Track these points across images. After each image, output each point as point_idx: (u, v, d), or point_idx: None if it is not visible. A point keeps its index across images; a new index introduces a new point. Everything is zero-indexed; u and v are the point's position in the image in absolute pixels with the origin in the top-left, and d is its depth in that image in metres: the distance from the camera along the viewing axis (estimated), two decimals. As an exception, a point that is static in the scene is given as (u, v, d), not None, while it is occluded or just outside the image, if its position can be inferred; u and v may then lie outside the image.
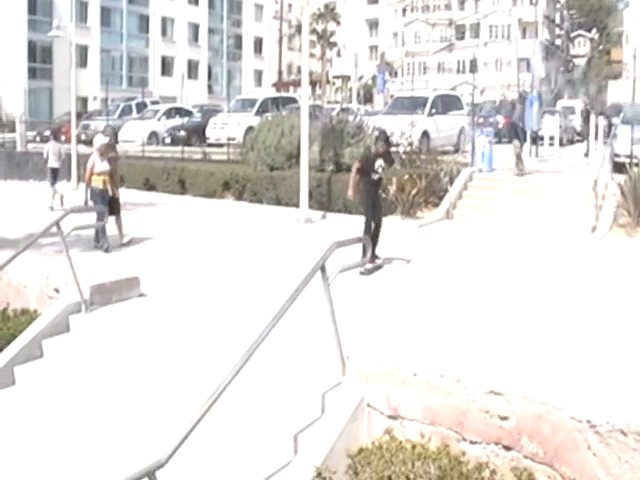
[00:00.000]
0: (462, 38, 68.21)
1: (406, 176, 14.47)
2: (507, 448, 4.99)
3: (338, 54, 66.61)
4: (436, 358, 5.63)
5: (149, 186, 19.50)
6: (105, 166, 11.36)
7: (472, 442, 5.10)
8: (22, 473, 5.79)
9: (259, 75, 68.39)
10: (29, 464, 5.92)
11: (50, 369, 7.32)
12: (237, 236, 12.38)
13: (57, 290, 8.58)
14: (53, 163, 17.47)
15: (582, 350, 5.98)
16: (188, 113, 31.62)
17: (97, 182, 11.31)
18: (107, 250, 10.85)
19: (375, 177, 9.97)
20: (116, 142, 11.96)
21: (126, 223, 11.76)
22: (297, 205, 14.10)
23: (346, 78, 56.71)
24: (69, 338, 7.67)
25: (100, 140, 11.89)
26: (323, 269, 5.46)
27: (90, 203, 11.53)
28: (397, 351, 5.83)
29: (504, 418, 4.96)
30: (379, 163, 9.92)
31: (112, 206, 11.13)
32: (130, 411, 6.14)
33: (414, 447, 4.96)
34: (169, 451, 4.16)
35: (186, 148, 23.49)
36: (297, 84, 41.11)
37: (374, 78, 48.89)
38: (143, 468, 4.04)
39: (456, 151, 19.49)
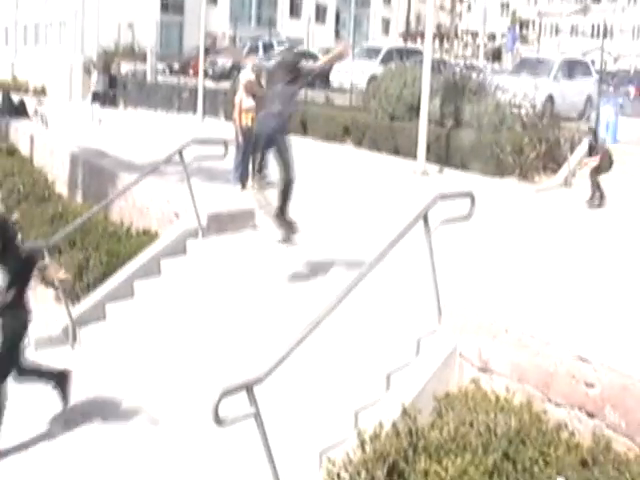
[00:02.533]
0: (598, 1, 65.03)
1: (526, 139, 14.31)
2: (590, 415, 5.07)
3: (468, 9, 64.88)
4: (527, 317, 5.76)
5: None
6: (251, 102, 11.15)
7: (557, 404, 5.22)
8: (137, 381, 6.39)
9: (387, 24, 67.55)
10: (143, 372, 6.53)
11: (166, 286, 7.91)
12: (353, 182, 12.60)
13: (177, 214, 9.12)
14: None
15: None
16: (313, 56, 31.84)
17: (246, 119, 11.12)
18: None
19: None
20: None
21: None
22: (415, 157, 14.21)
23: (475, 34, 55.29)
24: (185, 260, 8.23)
25: (246, 76, 11.63)
26: (425, 219, 5.66)
27: (240, 139, 11.29)
28: (490, 306, 5.99)
29: (589, 385, 5.05)
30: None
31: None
32: (233, 331, 6.62)
33: (498, 399, 5.16)
34: (267, 369, 4.55)
35: (309, 91, 23.80)
36: (424, 36, 40.46)
37: (505, 36, 47.56)
38: (243, 381, 4.45)
39: (580, 118, 18.97)
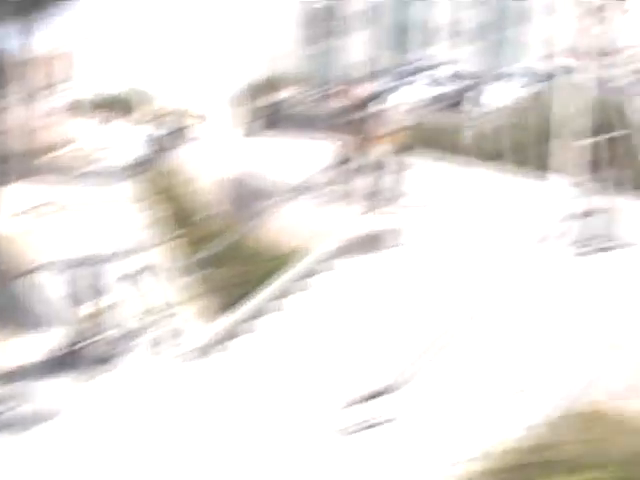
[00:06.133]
0: None
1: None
2: None
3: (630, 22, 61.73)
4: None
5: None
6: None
7: None
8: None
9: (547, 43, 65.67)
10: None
11: (314, 301, 8.36)
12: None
13: (325, 234, 9.43)
14: None
15: None
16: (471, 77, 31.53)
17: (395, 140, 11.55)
18: None
19: None
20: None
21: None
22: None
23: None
24: (332, 277, 8.67)
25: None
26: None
27: None
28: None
29: None
30: None
31: None
32: (375, 343, 6.85)
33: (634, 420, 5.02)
34: (398, 379, 4.68)
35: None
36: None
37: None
38: (374, 389, 4.61)
39: None
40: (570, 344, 5.91)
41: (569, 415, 5.25)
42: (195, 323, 9.04)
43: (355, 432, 4.46)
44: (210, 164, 18.16)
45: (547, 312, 6.46)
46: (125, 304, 9.38)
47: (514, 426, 5.13)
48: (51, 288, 10.59)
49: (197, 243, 11.06)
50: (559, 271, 5.69)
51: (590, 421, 5.10)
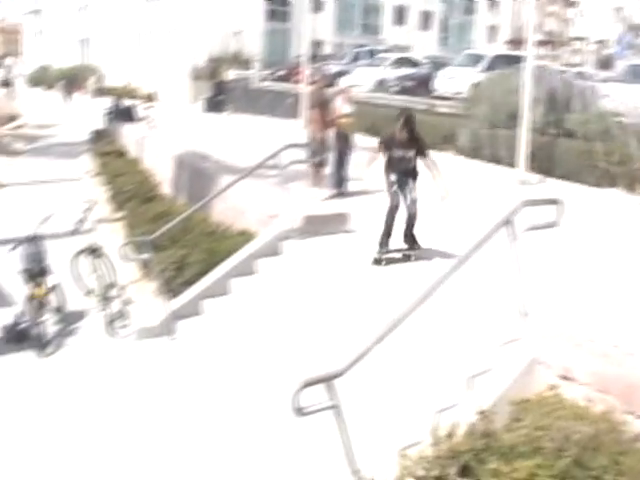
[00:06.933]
0: None
1: (632, 149, 13.94)
2: (673, 428, 5.04)
3: (581, 14, 63.08)
4: (612, 328, 5.75)
5: (374, 132, 20.10)
6: (348, 109, 11.54)
7: (638, 416, 5.21)
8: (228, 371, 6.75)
9: (493, 31, 66.62)
10: (234, 363, 6.89)
11: (260, 284, 8.26)
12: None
13: (273, 216, 9.48)
14: None
15: None
16: (416, 64, 31.96)
17: (344, 125, 11.42)
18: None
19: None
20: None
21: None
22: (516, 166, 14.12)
23: (585, 40, 53.83)
24: (279, 260, 8.57)
25: (347, 82, 12.20)
26: (511, 224, 5.75)
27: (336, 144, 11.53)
28: (575, 315, 6.00)
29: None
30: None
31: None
32: (322, 328, 6.91)
33: (576, 407, 5.20)
34: (347, 363, 4.78)
35: (412, 98, 23.90)
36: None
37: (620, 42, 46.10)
38: (323, 374, 4.70)
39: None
40: (509, 327, 6.05)
41: (507, 402, 5.41)
42: (145, 303, 9.01)
43: (308, 414, 4.52)
44: (165, 141, 18.06)
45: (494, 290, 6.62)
46: (74, 283, 9.30)
47: (461, 414, 5.26)
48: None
49: (149, 222, 11.02)
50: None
51: (528, 408, 5.26)
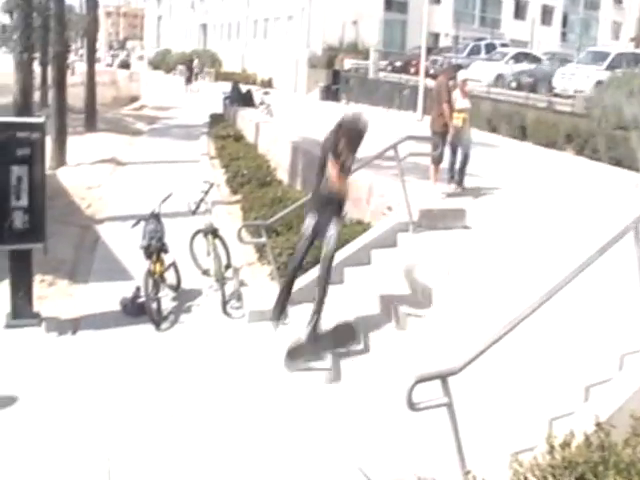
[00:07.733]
0: None
1: None
2: None
3: None
4: None
5: (491, 127, 19.78)
6: (466, 103, 11.30)
7: None
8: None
9: (617, 27, 64.01)
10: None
11: (375, 275, 8.27)
12: (566, 190, 12.23)
13: (390, 208, 9.47)
14: None
15: None
16: (536, 59, 31.13)
17: (457, 119, 11.13)
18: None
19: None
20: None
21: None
22: (637, 169, 13.58)
23: None
24: (395, 252, 8.54)
25: (464, 75, 11.80)
26: (637, 231, 5.53)
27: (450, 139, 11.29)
28: None
29: None
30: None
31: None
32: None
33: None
34: (463, 362, 4.72)
35: (531, 95, 23.34)
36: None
37: None
38: (438, 371, 4.67)
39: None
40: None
41: (627, 414, 5.22)
42: (259, 286, 9.19)
43: (421, 409, 4.51)
44: (281, 127, 18.32)
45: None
46: (191, 262, 9.60)
47: (577, 424, 5.12)
48: (118, 241, 10.90)
49: (264, 206, 11.21)
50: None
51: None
